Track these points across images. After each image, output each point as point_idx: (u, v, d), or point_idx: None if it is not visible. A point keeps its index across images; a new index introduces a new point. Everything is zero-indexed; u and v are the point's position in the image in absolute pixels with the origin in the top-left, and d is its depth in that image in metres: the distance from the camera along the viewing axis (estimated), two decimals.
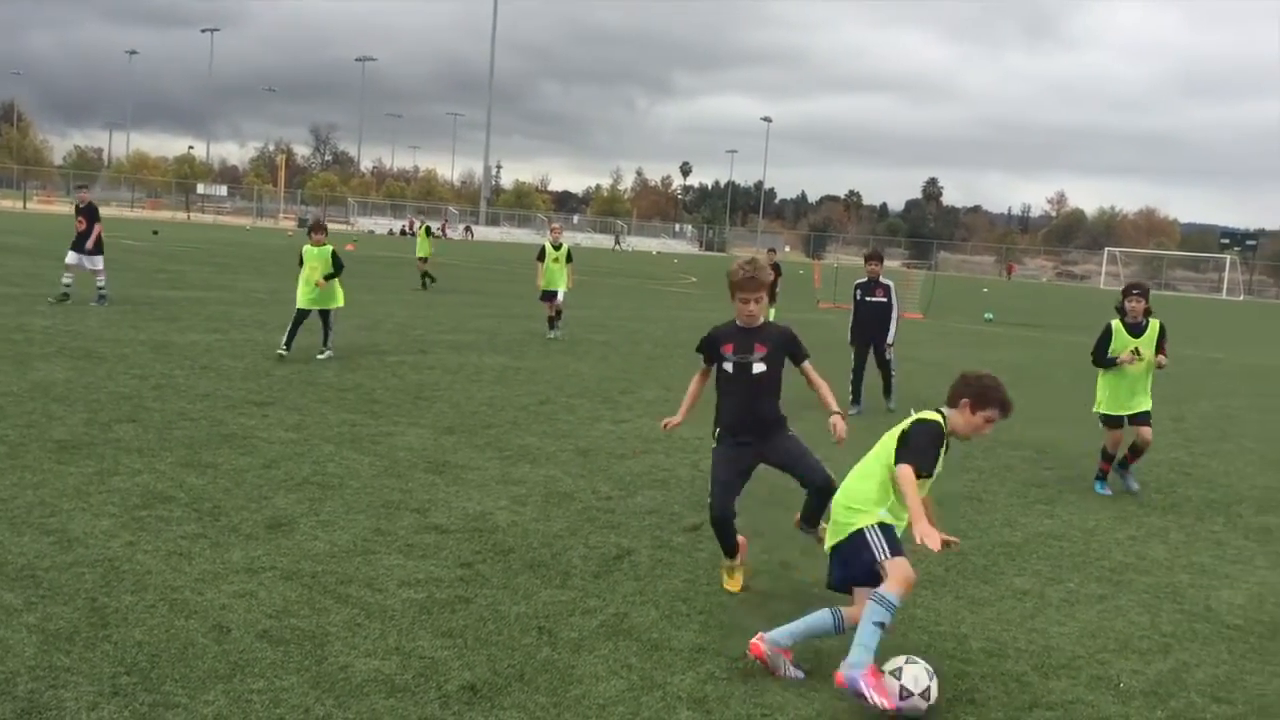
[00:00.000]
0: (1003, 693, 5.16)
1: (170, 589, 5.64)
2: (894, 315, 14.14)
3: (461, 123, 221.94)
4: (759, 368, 6.04)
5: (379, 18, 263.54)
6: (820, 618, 5.20)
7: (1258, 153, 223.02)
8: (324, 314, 14.83)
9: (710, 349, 6.19)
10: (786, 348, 6.13)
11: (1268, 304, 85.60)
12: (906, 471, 5.02)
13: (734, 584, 6.30)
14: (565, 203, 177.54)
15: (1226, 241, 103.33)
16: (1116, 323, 9.84)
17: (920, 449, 5.12)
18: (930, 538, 4.79)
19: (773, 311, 27.13)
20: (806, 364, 6.17)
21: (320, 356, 14.48)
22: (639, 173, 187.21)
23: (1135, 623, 6.36)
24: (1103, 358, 9.85)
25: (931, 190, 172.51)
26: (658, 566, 6.67)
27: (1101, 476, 9.95)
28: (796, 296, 35.82)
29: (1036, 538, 8.15)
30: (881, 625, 4.85)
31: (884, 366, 14.12)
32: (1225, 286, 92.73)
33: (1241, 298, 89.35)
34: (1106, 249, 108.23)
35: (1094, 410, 10.12)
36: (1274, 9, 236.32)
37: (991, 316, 36.81)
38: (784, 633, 5.16)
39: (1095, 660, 5.66)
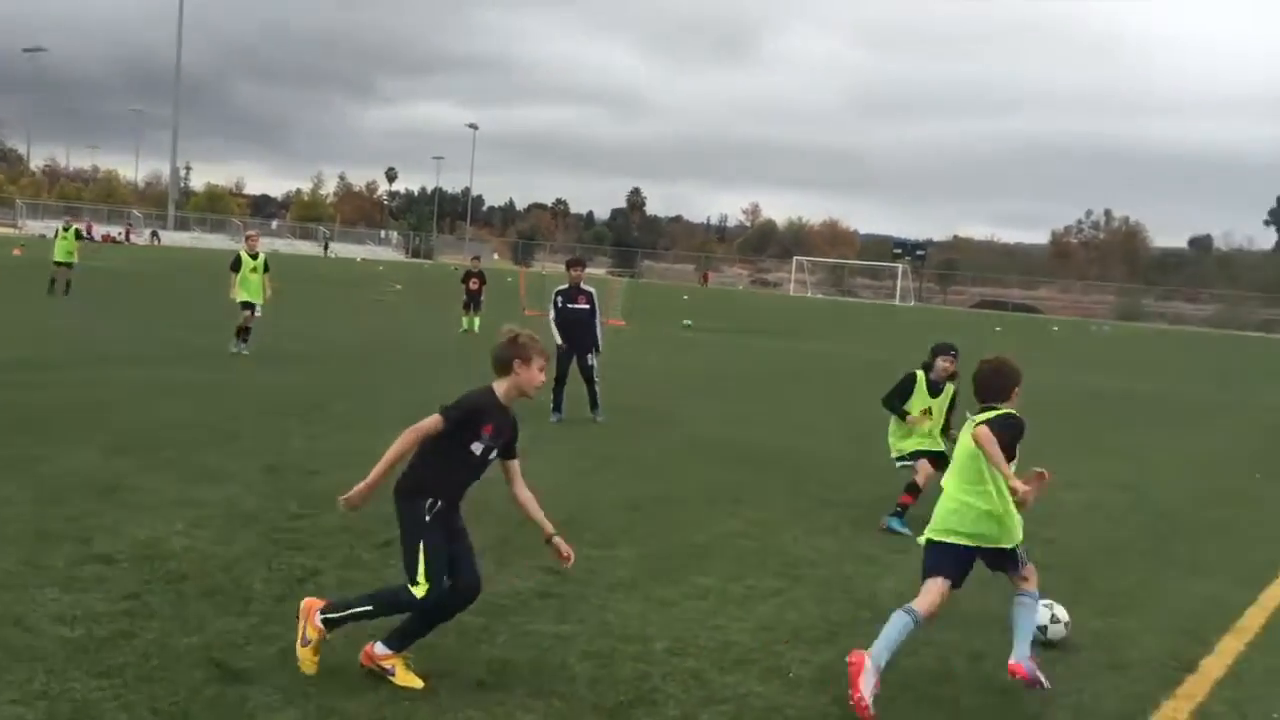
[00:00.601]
0: (681, 690, 5.34)
1: None
2: (598, 323, 13.96)
3: (146, 121, 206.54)
4: (493, 455, 5.24)
5: (51, 5, 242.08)
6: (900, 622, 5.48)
7: (925, 170, 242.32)
8: None
9: (468, 424, 5.09)
10: (513, 440, 5.35)
11: (934, 309, 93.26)
12: (985, 431, 5.48)
13: (415, 679, 5.15)
14: (263, 207, 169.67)
15: (899, 251, 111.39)
16: (921, 377, 9.54)
17: (1003, 426, 5.58)
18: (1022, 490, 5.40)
19: (477, 320, 27.34)
20: (516, 464, 5.39)
21: None
22: (342, 177, 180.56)
23: (807, 614, 6.75)
24: (896, 404, 9.56)
25: (635, 200, 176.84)
26: (344, 586, 6.45)
27: (899, 513, 9.12)
28: (503, 303, 35.85)
29: (721, 537, 8.51)
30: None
31: (586, 374, 13.81)
32: (898, 293, 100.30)
33: (912, 303, 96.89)
34: (795, 257, 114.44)
35: (890, 459, 9.77)
36: (943, 34, 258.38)
37: (690, 323, 38.19)
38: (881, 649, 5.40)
39: (769, 652, 5.95)
